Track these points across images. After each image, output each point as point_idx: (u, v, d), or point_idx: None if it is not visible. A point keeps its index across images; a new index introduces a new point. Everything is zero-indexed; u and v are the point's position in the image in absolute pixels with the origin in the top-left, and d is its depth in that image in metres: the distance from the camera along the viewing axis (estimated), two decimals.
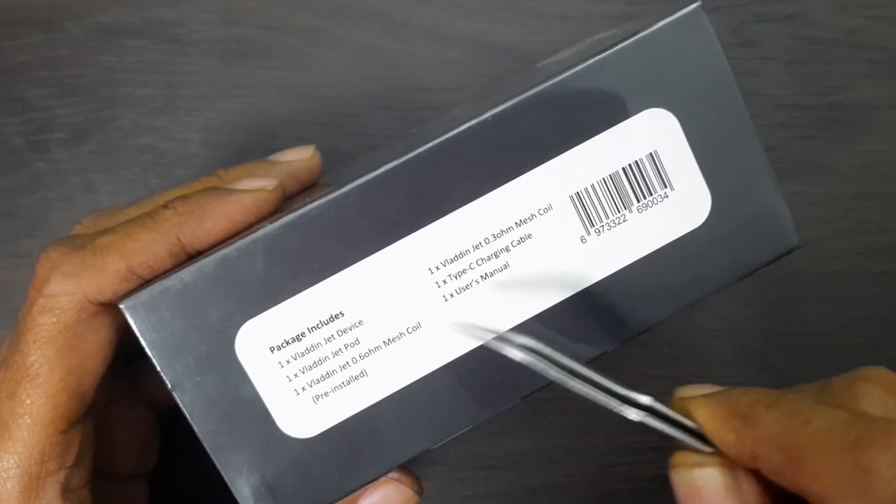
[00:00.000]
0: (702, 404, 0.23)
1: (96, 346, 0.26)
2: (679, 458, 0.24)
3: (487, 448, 0.38)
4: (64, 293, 0.25)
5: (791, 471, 0.21)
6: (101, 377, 0.26)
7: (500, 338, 0.23)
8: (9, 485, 0.25)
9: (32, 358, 0.25)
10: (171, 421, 0.29)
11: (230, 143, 0.38)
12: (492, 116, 0.24)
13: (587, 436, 0.38)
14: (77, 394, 0.25)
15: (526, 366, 0.22)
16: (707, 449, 0.23)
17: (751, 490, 0.23)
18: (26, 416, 0.25)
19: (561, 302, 0.25)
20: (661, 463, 0.38)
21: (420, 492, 0.27)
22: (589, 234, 0.25)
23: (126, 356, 0.29)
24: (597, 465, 0.38)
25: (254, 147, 0.37)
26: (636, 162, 0.25)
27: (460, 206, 0.24)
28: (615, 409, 0.23)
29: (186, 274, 0.24)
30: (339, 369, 0.24)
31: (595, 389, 0.22)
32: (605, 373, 0.22)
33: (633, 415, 0.23)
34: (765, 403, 0.22)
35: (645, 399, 0.23)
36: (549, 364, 0.22)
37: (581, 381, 0.22)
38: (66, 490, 0.26)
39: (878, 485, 0.19)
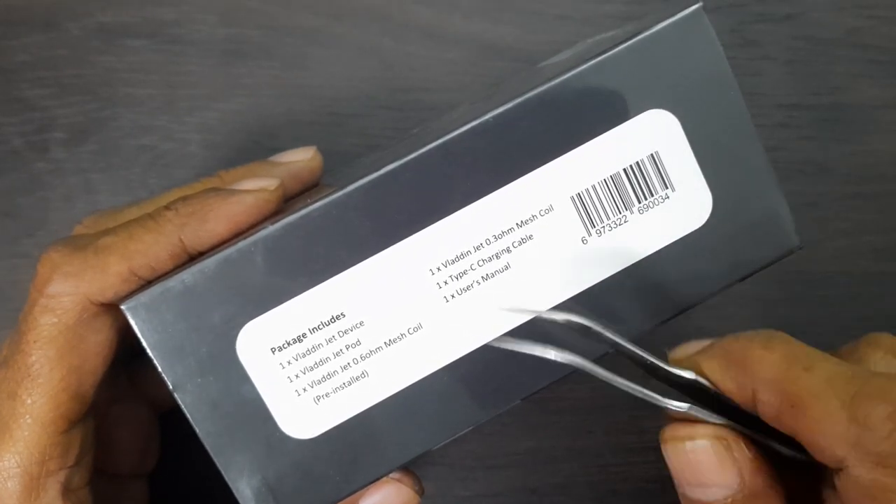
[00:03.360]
0: (703, 360, 0.24)
1: (97, 346, 0.26)
2: (670, 431, 0.24)
3: (487, 448, 0.38)
4: (65, 293, 0.25)
5: (789, 417, 0.22)
6: (102, 377, 0.26)
7: (545, 352, 0.24)
8: (9, 484, 0.25)
9: (33, 358, 0.25)
10: (171, 421, 0.29)
11: (230, 144, 0.38)
12: (493, 117, 0.24)
13: (587, 436, 0.38)
14: (78, 394, 0.25)
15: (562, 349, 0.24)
16: (710, 418, 0.24)
17: (744, 457, 0.23)
18: (27, 416, 0.25)
19: (562, 303, 0.25)
20: (660, 463, 0.38)
21: (421, 492, 0.27)
22: (590, 234, 0.25)
23: (126, 356, 0.29)
24: (597, 465, 0.38)
25: (253, 147, 0.37)
26: (637, 163, 0.25)
27: (461, 206, 0.24)
28: (660, 403, 0.24)
29: (188, 275, 0.24)
30: (340, 370, 0.24)
31: (638, 388, 0.24)
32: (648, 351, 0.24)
33: (678, 407, 0.24)
34: (759, 345, 0.23)
35: (689, 374, 0.24)
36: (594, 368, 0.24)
37: (625, 382, 0.24)
38: (66, 490, 0.26)
39: (874, 438, 0.20)
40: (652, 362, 0.23)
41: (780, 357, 0.22)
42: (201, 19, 0.37)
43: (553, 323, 0.24)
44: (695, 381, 0.23)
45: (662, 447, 0.24)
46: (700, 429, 0.23)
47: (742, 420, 0.24)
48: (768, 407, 0.22)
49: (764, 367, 0.22)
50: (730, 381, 0.23)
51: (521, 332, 0.25)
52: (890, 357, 0.23)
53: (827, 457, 0.21)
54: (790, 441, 0.23)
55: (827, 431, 0.21)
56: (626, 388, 0.23)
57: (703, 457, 0.23)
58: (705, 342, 0.25)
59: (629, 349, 0.23)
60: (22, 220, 0.37)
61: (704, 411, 0.24)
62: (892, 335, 0.24)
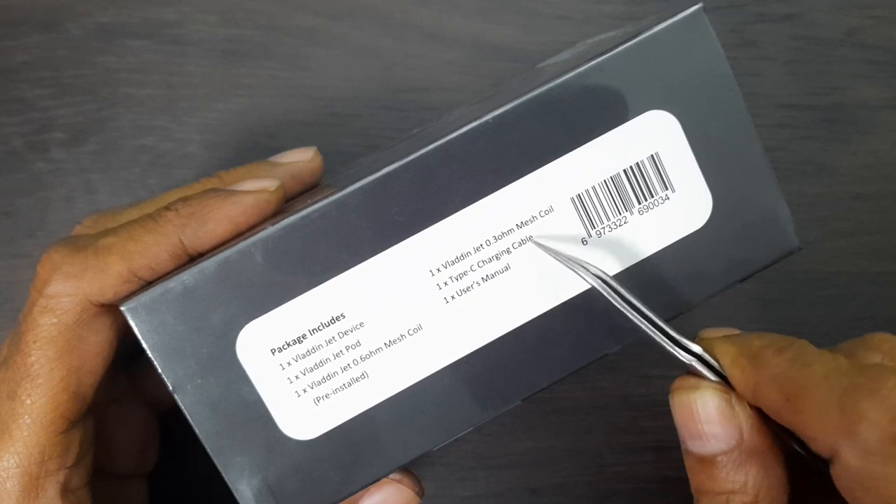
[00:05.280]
0: (719, 343, 0.24)
1: (97, 346, 0.26)
2: (678, 382, 0.25)
3: (487, 448, 0.38)
4: (65, 294, 0.25)
5: (787, 410, 0.22)
6: (102, 378, 0.26)
7: (577, 263, 0.24)
8: (8, 484, 0.25)
9: (33, 358, 0.25)
10: (171, 421, 0.29)
11: (230, 144, 0.38)
12: (493, 118, 0.24)
13: (587, 436, 0.38)
14: (77, 394, 0.25)
15: (596, 290, 0.24)
16: (714, 378, 0.24)
17: (744, 413, 0.24)
18: (26, 417, 0.25)
19: (562, 303, 0.25)
20: (660, 463, 0.38)
21: (421, 493, 0.27)
22: (590, 235, 0.25)
23: (126, 356, 0.29)
24: (597, 465, 0.38)
25: (253, 147, 0.37)
26: (637, 164, 0.25)
27: (461, 207, 0.24)
28: (668, 349, 0.24)
29: (188, 276, 0.24)
30: (340, 371, 0.24)
31: (650, 327, 0.24)
32: (661, 317, 0.24)
33: (684, 358, 0.24)
34: (776, 348, 0.23)
35: (696, 348, 0.24)
36: (614, 294, 0.24)
37: (638, 317, 0.24)
38: (65, 490, 0.26)
39: (864, 427, 0.20)
40: (663, 328, 0.24)
41: (787, 358, 0.23)
42: (201, 19, 0.37)
43: (576, 271, 0.24)
44: (700, 356, 0.24)
45: (670, 399, 0.25)
46: (705, 381, 0.24)
47: None
48: (769, 401, 0.23)
49: (771, 366, 0.23)
50: (737, 369, 0.24)
51: (530, 328, 0.25)
52: (888, 361, 0.24)
53: (820, 447, 0.21)
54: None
55: (820, 422, 0.21)
56: (640, 324, 0.24)
57: (706, 407, 0.24)
58: (734, 331, 0.25)
59: (644, 311, 0.24)
60: (22, 221, 0.37)
61: (708, 370, 0.24)
62: (892, 336, 0.24)
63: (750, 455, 0.23)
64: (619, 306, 0.24)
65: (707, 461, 0.24)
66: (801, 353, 0.23)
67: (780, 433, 0.24)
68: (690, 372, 0.25)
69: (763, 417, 0.24)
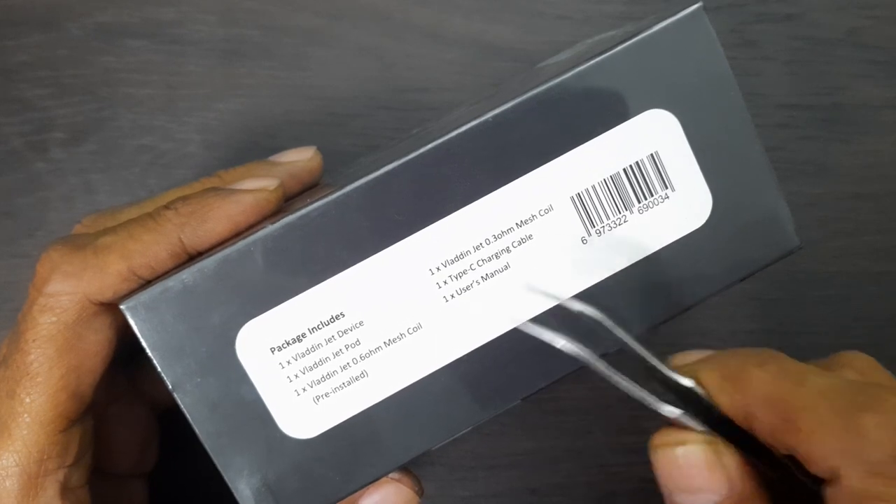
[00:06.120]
0: (701, 371, 0.24)
1: (96, 345, 0.26)
2: (660, 437, 0.24)
3: (487, 448, 0.38)
4: (64, 293, 0.25)
5: (784, 431, 0.22)
6: (101, 377, 0.26)
7: (570, 302, 0.24)
8: (8, 483, 0.25)
9: (32, 357, 0.25)
10: (171, 421, 0.29)
11: (229, 144, 0.38)
12: (493, 117, 0.24)
13: (587, 436, 0.38)
14: (76, 393, 0.25)
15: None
16: (699, 427, 0.24)
17: (732, 463, 0.23)
18: (26, 415, 0.25)
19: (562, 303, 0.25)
20: None
21: (420, 492, 0.27)
22: (590, 234, 0.25)
23: (126, 355, 0.29)
24: (597, 465, 0.38)
25: (253, 147, 0.37)
26: (637, 163, 0.25)
27: (461, 206, 0.24)
28: (650, 403, 0.24)
29: (187, 275, 0.24)
30: (339, 370, 0.24)
31: (631, 383, 0.24)
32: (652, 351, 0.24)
33: (667, 413, 0.24)
34: (754, 363, 0.23)
35: (687, 382, 0.24)
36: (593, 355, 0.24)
37: (618, 374, 0.24)
38: (65, 489, 0.26)
39: (871, 447, 0.20)
40: (653, 365, 0.24)
41: (772, 375, 0.22)
42: (201, 19, 0.37)
43: (565, 313, 0.24)
44: (692, 390, 0.24)
45: (651, 454, 0.24)
46: (691, 434, 0.24)
47: (729, 435, 0.24)
48: (763, 424, 0.22)
49: (758, 386, 0.22)
50: (724, 396, 0.23)
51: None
52: (864, 379, 0.23)
53: (821, 468, 0.21)
54: (773, 463, 0.24)
55: (820, 442, 0.21)
56: (624, 388, 0.24)
57: (693, 461, 0.23)
58: (706, 352, 0.25)
59: (634, 349, 0.23)
60: (21, 220, 0.37)
61: (694, 421, 0.24)
62: (863, 354, 0.24)
63: (740, 503, 0.23)
64: (603, 374, 0.24)
65: None
66: (784, 369, 0.22)
67: (763, 468, 0.24)
68: (669, 423, 0.24)
69: (748, 459, 0.23)
